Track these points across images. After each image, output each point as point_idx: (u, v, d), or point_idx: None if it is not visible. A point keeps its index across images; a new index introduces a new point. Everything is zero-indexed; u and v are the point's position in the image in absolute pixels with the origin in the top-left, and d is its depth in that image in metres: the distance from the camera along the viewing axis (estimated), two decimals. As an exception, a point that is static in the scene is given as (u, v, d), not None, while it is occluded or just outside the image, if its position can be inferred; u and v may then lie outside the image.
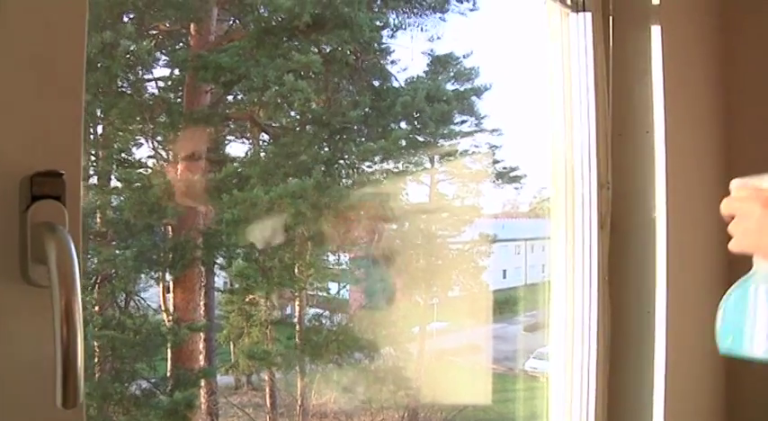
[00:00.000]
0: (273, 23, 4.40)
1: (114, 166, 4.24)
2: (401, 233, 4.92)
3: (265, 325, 4.60)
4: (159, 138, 4.39)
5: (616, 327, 1.67)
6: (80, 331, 0.67)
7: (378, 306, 4.88)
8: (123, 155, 4.28)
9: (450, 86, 4.84)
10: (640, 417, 1.63)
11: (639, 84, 1.65)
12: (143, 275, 4.29)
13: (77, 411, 0.73)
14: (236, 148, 5.10)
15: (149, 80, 4.30)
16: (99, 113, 4.19)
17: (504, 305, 5.39)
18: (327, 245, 4.58)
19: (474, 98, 4.87)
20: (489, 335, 5.32)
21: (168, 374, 4.16)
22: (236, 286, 4.67)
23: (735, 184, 1.07)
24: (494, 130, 4.99)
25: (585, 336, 1.66)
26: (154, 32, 4.31)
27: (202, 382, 4.28)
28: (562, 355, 1.68)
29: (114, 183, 4.27)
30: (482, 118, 4.91)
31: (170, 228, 4.28)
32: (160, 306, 4.33)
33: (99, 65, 3.83)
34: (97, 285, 4.12)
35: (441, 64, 4.84)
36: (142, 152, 4.32)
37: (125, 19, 4.13)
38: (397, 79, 4.74)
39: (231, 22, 4.68)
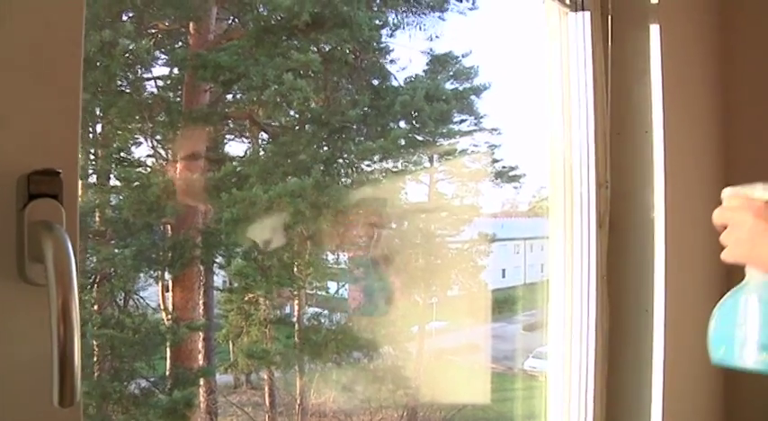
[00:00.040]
0: (273, 22, 4.40)
1: (113, 165, 4.24)
2: (400, 232, 4.92)
3: (264, 324, 4.60)
4: (158, 137, 4.39)
5: (614, 326, 1.67)
6: (77, 330, 0.67)
7: (376, 306, 4.88)
8: (122, 154, 4.28)
9: (449, 85, 4.85)
10: (639, 416, 1.63)
11: (638, 83, 1.65)
12: (142, 274, 4.29)
13: (74, 410, 0.73)
14: (236, 147, 5.11)
15: (148, 79, 4.30)
16: (98, 112, 4.19)
17: (504, 304, 5.39)
18: (326, 244, 4.58)
19: (473, 97, 4.88)
20: (488, 334, 5.32)
21: (167, 373, 4.17)
22: (235, 285, 4.68)
23: (726, 194, 1.06)
24: (493, 130, 5.00)
25: (584, 335, 1.66)
26: (153, 31, 4.31)
27: (201, 381, 4.28)
28: (561, 354, 1.68)
29: (113, 181, 4.28)
30: (481, 117, 4.92)
31: (169, 226, 4.29)
32: (159, 305, 4.33)
33: (98, 64, 3.83)
34: (96, 284, 4.12)
35: (440, 63, 4.84)
36: (141, 151, 4.33)
37: (124, 18, 4.13)
38: (396, 78, 4.75)
39: (230, 21, 4.68)
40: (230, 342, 4.68)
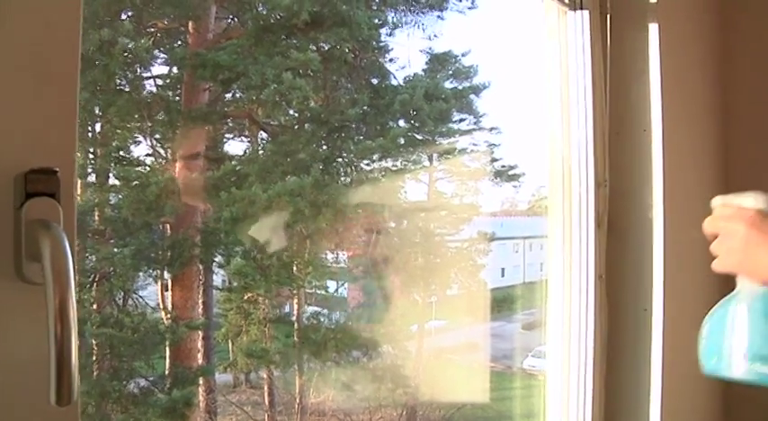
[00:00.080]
0: (272, 21, 4.40)
1: (112, 164, 4.24)
2: (399, 231, 4.92)
3: (264, 323, 4.60)
4: (157, 136, 4.39)
5: (613, 325, 1.67)
6: (74, 328, 0.67)
7: (375, 305, 4.88)
8: (121, 153, 4.28)
9: (448, 84, 4.85)
10: (637, 415, 1.63)
11: (637, 82, 1.65)
12: (141, 273, 4.29)
13: (72, 409, 0.73)
14: (235, 146, 5.11)
15: (147, 78, 4.30)
16: (97, 111, 4.19)
17: (503, 303, 5.39)
18: (326, 243, 4.58)
19: (472, 96, 4.87)
20: (487, 333, 5.32)
21: (166, 372, 4.17)
22: (235, 284, 4.68)
23: (717, 203, 1.05)
24: (492, 129, 5.00)
25: (582, 334, 1.66)
26: (152, 30, 4.31)
27: (201, 380, 4.28)
28: (559, 353, 1.68)
29: (112, 181, 4.27)
30: (481, 116, 4.92)
31: (168, 226, 4.28)
32: (158, 304, 4.33)
33: (97, 62, 3.83)
34: (95, 283, 4.12)
35: (439, 62, 4.84)
36: (140, 150, 4.33)
37: (123, 16, 4.13)
38: (395, 77, 4.75)
39: (229, 20, 4.68)
40: (229, 341, 4.68)
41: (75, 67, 0.82)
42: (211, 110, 4.40)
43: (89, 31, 3.74)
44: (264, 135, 4.66)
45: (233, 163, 4.41)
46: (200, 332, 4.32)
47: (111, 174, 4.26)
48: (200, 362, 4.29)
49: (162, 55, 4.42)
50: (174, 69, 4.44)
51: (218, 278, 4.73)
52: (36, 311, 0.71)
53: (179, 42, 4.51)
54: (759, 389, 0.96)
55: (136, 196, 4.03)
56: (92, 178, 4.28)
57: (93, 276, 4.11)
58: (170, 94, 4.40)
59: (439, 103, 4.66)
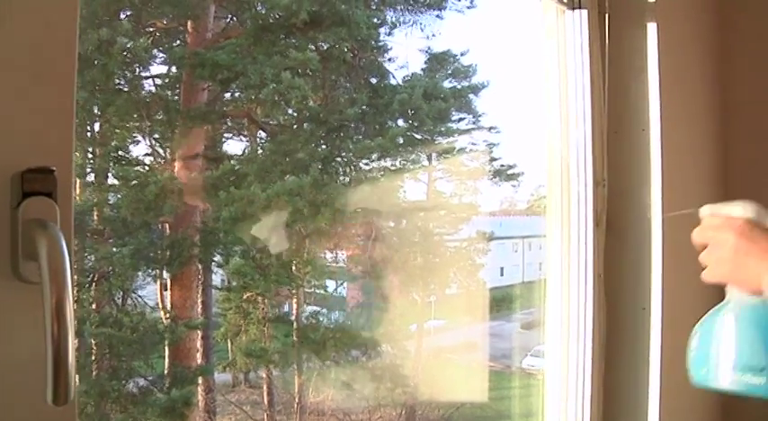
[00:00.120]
0: (271, 21, 4.40)
1: (111, 164, 4.24)
2: (398, 231, 4.92)
3: (263, 322, 4.60)
4: (156, 135, 4.39)
5: (611, 324, 1.67)
6: (71, 328, 0.67)
7: (374, 305, 4.88)
8: (120, 152, 4.28)
9: (447, 84, 4.85)
10: (635, 414, 1.63)
11: (635, 81, 1.65)
12: (140, 273, 4.29)
13: (69, 408, 0.73)
14: (234, 146, 5.10)
15: (146, 78, 4.30)
16: (96, 111, 4.19)
17: (502, 302, 5.39)
18: (325, 242, 4.58)
19: (471, 96, 4.87)
20: (486, 332, 5.32)
21: (165, 372, 4.17)
22: (234, 284, 4.68)
23: (705, 212, 1.05)
24: (491, 128, 5.00)
25: (581, 334, 1.66)
26: (151, 30, 4.31)
27: (200, 380, 4.28)
28: (558, 353, 1.68)
29: (111, 180, 4.27)
30: (479, 115, 4.92)
31: (167, 225, 4.28)
32: (157, 303, 4.33)
33: (96, 62, 3.83)
34: (94, 283, 4.12)
35: (438, 61, 4.84)
36: (139, 150, 4.33)
37: (122, 16, 4.13)
38: (394, 77, 4.75)
39: (228, 20, 4.68)
40: (229, 340, 4.68)
41: (73, 66, 0.82)
42: (210, 109, 4.40)
43: (88, 31, 3.74)
44: (263, 134, 4.66)
45: (232, 162, 4.41)
46: (199, 331, 4.32)
47: (109, 174, 4.26)
48: (199, 361, 4.29)
49: (161, 54, 4.43)
50: (173, 69, 4.45)
51: (218, 277, 4.73)
52: (33, 311, 0.71)
53: (178, 42, 4.51)
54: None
55: (135, 196, 4.03)
56: (91, 178, 4.28)
57: (92, 276, 4.11)
58: (169, 93, 4.40)
59: (438, 102, 4.66)
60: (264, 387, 4.61)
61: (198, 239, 4.34)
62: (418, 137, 4.72)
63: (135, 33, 4.08)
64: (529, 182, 5.12)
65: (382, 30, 4.69)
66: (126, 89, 4.18)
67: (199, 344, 4.32)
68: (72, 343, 0.67)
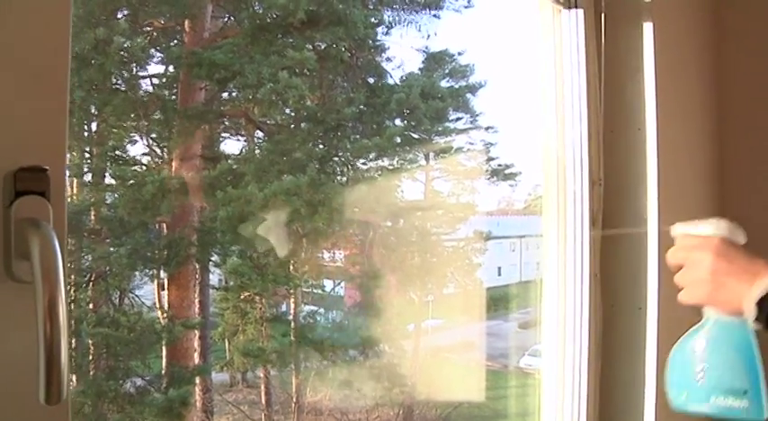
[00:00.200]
0: (268, 20, 4.39)
1: (108, 164, 4.23)
2: (396, 230, 4.92)
3: (260, 322, 4.60)
4: (153, 135, 4.38)
5: (608, 324, 1.67)
6: (64, 327, 0.67)
7: (372, 304, 4.88)
8: (117, 152, 4.28)
9: (444, 83, 4.84)
10: (632, 413, 1.64)
11: (631, 81, 1.65)
12: (137, 272, 4.28)
13: (62, 408, 0.73)
14: (231, 145, 5.10)
15: (143, 77, 4.29)
16: (93, 110, 4.19)
17: (499, 302, 5.39)
18: (322, 242, 4.58)
19: (469, 95, 4.87)
20: (484, 332, 5.32)
21: (163, 372, 4.16)
22: (231, 283, 4.67)
23: (677, 231, 1.03)
24: (489, 128, 5.00)
25: (577, 333, 1.66)
26: (148, 29, 4.30)
27: (197, 380, 4.28)
28: (554, 352, 1.69)
29: (108, 180, 4.27)
30: (477, 115, 4.92)
31: (164, 225, 4.28)
32: (155, 303, 4.32)
33: (93, 61, 3.82)
34: (91, 282, 4.11)
35: (435, 61, 4.84)
36: (136, 149, 4.32)
37: (119, 15, 4.12)
38: (391, 76, 4.75)
39: (226, 19, 4.67)
40: (226, 340, 4.68)
41: (66, 65, 0.81)
42: (207, 109, 4.40)
43: (85, 30, 3.73)
44: (261, 134, 4.66)
45: (229, 162, 4.41)
46: (196, 331, 4.32)
47: (107, 174, 4.26)
48: (196, 361, 4.29)
49: (158, 54, 4.42)
50: (171, 68, 4.44)
51: (215, 277, 4.73)
52: (26, 310, 0.70)
53: (175, 41, 4.50)
54: None
55: (132, 195, 4.02)
56: (88, 177, 4.28)
57: (89, 275, 4.10)
58: (166, 93, 4.39)
59: (435, 101, 4.66)
60: (262, 386, 4.61)
61: (195, 239, 4.33)
62: (416, 136, 4.72)
63: (132, 33, 4.07)
64: (526, 181, 5.13)
65: (379, 29, 4.69)
66: (123, 88, 4.18)
67: (196, 343, 4.31)
68: (65, 342, 0.67)
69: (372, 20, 4.63)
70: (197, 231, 4.34)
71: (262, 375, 4.63)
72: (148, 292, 4.35)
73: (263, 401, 4.57)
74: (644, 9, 1.63)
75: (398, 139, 4.60)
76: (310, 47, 4.39)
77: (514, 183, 5.17)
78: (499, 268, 5.43)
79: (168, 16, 4.39)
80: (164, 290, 4.29)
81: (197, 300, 4.37)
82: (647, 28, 1.63)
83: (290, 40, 4.36)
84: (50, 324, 0.66)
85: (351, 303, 5.07)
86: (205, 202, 4.29)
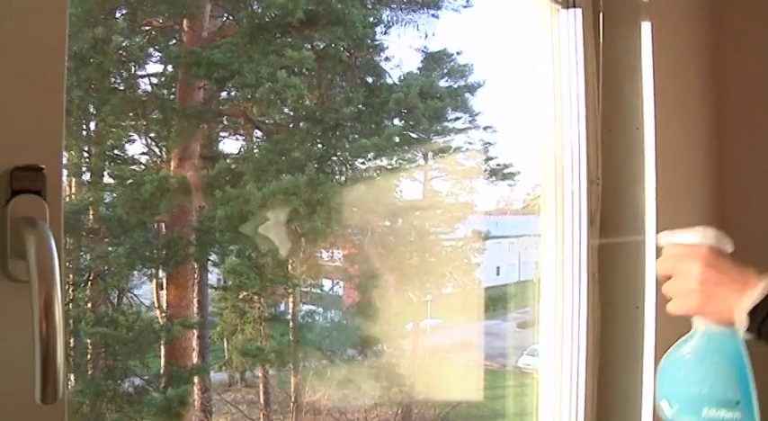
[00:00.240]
0: (266, 20, 4.39)
1: (107, 163, 4.23)
2: (394, 230, 4.92)
3: (259, 321, 4.60)
4: (152, 134, 4.38)
5: (605, 323, 1.67)
6: (60, 326, 0.67)
7: (370, 304, 4.88)
8: (116, 151, 4.27)
9: (443, 83, 4.85)
10: (629, 412, 1.64)
11: (629, 80, 1.65)
12: (136, 272, 4.28)
13: (58, 407, 0.73)
14: (230, 145, 5.10)
15: (142, 76, 4.29)
16: (91, 110, 4.18)
17: (498, 302, 5.39)
18: (320, 241, 4.58)
19: (467, 95, 4.87)
20: (482, 331, 5.33)
21: (161, 371, 4.16)
22: (230, 283, 4.67)
23: (663, 240, 1.02)
24: (487, 127, 5.00)
25: (575, 332, 1.66)
26: (146, 28, 4.30)
27: (196, 379, 4.28)
28: (552, 351, 1.69)
29: (107, 179, 4.27)
30: (476, 115, 4.92)
31: (163, 224, 4.28)
32: (153, 303, 4.32)
33: (91, 61, 3.82)
34: (90, 282, 4.11)
35: (434, 61, 4.84)
36: (135, 148, 4.32)
37: (117, 14, 4.12)
38: (390, 76, 4.75)
39: (224, 19, 4.67)
40: (225, 340, 4.68)
41: (62, 64, 0.81)
42: (206, 108, 4.40)
43: (83, 30, 3.73)
44: (259, 133, 4.66)
45: (228, 161, 4.41)
46: (195, 331, 4.32)
47: (105, 173, 4.26)
48: (195, 360, 4.29)
49: (156, 53, 4.42)
50: (169, 67, 4.44)
51: (213, 277, 4.73)
52: (22, 309, 0.70)
53: (174, 40, 4.50)
54: (762, 377, 0.95)
55: (130, 195, 4.02)
56: (86, 177, 4.28)
57: (87, 275, 4.10)
58: (165, 92, 4.39)
59: (434, 101, 4.66)
60: (261, 386, 4.61)
61: (194, 238, 4.33)
62: (414, 136, 4.72)
63: (130, 32, 4.07)
64: (525, 181, 5.13)
65: (378, 29, 4.70)
66: (121, 88, 4.17)
67: (195, 343, 4.31)
68: (61, 341, 0.67)
69: (371, 19, 4.63)
70: (195, 231, 4.33)
71: (260, 375, 4.63)
72: (147, 292, 4.35)
73: (262, 401, 4.57)
74: (642, 8, 1.63)
75: (397, 139, 4.60)
76: (309, 46, 4.39)
77: (513, 183, 5.18)
78: (498, 268, 5.43)
79: (167, 15, 4.39)
80: (162, 289, 4.29)
81: (195, 300, 4.37)
82: (646, 27, 1.63)
83: (289, 40, 4.36)
84: (46, 323, 0.66)
85: (349, 303, 5.06)
86: (204, 202, 4.29)
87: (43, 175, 0.77)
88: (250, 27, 4.37)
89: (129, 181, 4.08)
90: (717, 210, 1.85)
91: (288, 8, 4.20)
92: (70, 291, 3.94)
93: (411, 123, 4.66)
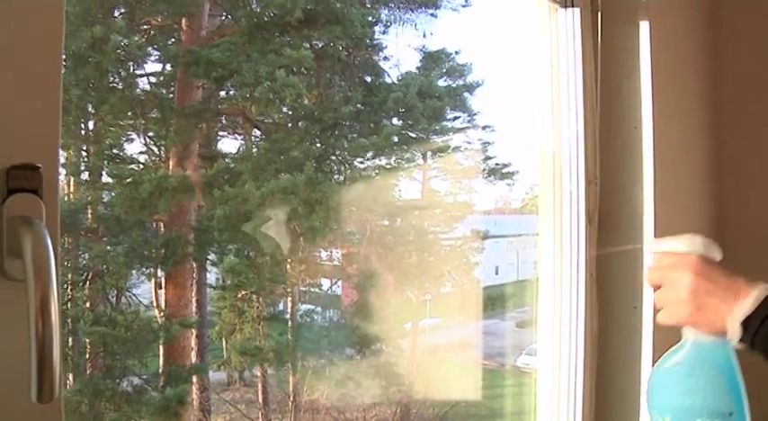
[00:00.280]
0: (265, 19, 4.39)
1: (105, 162, 4.23)
2: (393, 229, 4.92)
3: (257, 321, 4.60)
4: (151, 133, 4.38)
5: (603, 323, 1.67)
6: (56, 325, 0.67)
7: (369, 303, 4.88)
8: (114, 150, 4.27)
9: (442, 82, 4.85)
10: (627, 412, 1.64)
11: (628, 79, 1.65)
12: (134, 271, 4.28)
13: (54, 406, 0.73)
14: (228, 144, 5.10)
15: (141, 75, 4.29)
16: (90, 109, 4.18)
17: (497, 301, 5.40)
18: (319, 241, 4.58)
19: (466, 94, 4.87)
20: (481, 331, 5.33)
21: (160, 370, 4.16)
22: (228, 282, 4.67)
23: (654, 249, 1.01)
24: (486, 127, 5.00)
25: (573, 332, 1.66)
26: (145, 27, 4.30)
27: (194, 379, 4.27)
28: (550, 351, 1.69)
29: (105, 178, 4.27)
30: (474, 114, 4.92)
31: (161, 223, 4.28)
32: (152, 302, 4.32)
33: (90, 60, 3.82)
34: (88, 281, 4.11)
35: (433, 60, 4.84)
36: (133, 148, 4.32)
37: (116, 13, 4.12)
38: (389, 75, 4.75)
39: (223, 18, 4.67)
40: (223, 339, 4.68)
41: (59, 63, 0.81)
42: (205, 107, 4.40)
43: (81, 28, 3.73)
44: (258, 132, 4.66)
45: (226, 160, 4.40)
46: (193, 330, 4.32)
47: (103, 172, 4.25)
48: (193, 360, 4.29)
49: (155, 52, 4.41)
50: (168, 67, 4.44)
51: (212, 276, 4.73)
52: (18, 308, 0.70)
53: (172, 39, 4.50)
54: (760, 377, 0.94)
55: (129, 194, 4.02)
56: (84, 176, 4.27)
57: (85, 274, 4.10)
58: (163, 91, 4.39)
59: (432, 100, 4.66)
60: (259, 385, 4.61)
61: (192, 238, 4.33)
62: (413, 135, 4.72)
63: (129, 31, 4.07)
64: (524, 180, 5.13)
65: (377, 28, 4.70)
66: (120, 87, 4.17)
67: (193, 342, 4.31)
68: (57, 340, 0.67)
69: (369, 19, 4.63)
70: (194, 230, 4.33)
71: (259, 374, 4.63)
72: (145, 291, 4.34)
73: (261, 400, 4.57)
74: (640, 8, 1.63)
75: (396, 138, 4.60)
76: (307, 45, 4.39)
77: (512, 182, 5.18)
78: (497, 267, 5.43)
79: (165, 14, 4.39)
80: (161, 288, 4.29)
81: (194, 299, 4.37)
82: (644, 27, 1.62)
83: (288, 39, 4.36)
84: (42, 322, 0.66)
85: (348, 302, 5.06)
86: (202, 201, 4.29)
87: (39, 174, 0.76)
88: (249, 26, 4.37)
89: (128, 180, 4.08)
90: (715, 210, 1.85)
91: (286, 7, 4.20)
92: (69, 291, 3.94)
93: (410, 123, 4.66)
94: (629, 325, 1.63)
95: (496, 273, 5.47)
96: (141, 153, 4.35)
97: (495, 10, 5.24)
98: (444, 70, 4.86)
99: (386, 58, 4.75)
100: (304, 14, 4.20)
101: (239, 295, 4.65)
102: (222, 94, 4.58)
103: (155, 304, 4.30)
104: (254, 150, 4.61)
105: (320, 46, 4.48)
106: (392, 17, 4.69)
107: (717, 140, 1.85)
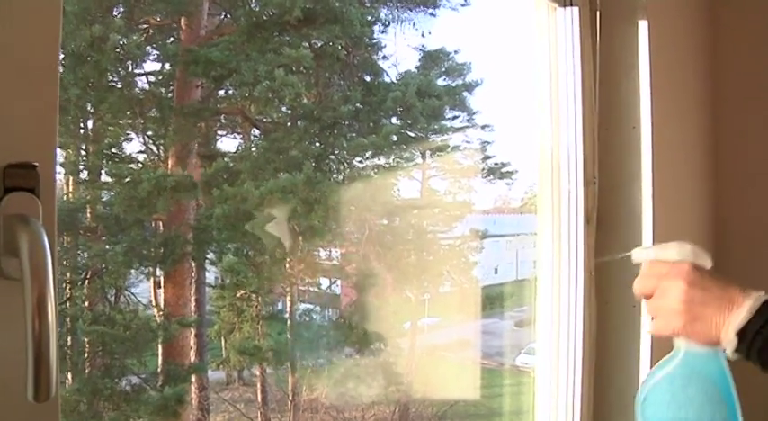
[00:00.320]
0: (264, 18, 4.39)
1: (104, 161, 4.23)
2: (392, 228, 4.92)
3: (256, 320, 4.60)
4: (150, 132, 4.38)
5: (602, 322, 1.67)
6: (53, 324, 0.67)
7: (368, 303, 4.88)
8: (113, 149, 4.27)
9: (441, 82, 4.85)
10: (626, 411, 1.63)
11: (626, 78, 1.65)
12: (133, 270, 4.28)
13: (51, 405, 0.73)
14: (227, 143, 5.10)
15: (140, 74, 4.29)
16: (89, 108, 4.18)
17: (495, 300, 5.40)
18: (318, 240, 4.58)
19: (465, 93, 4.87)
20: (480, 330, 5.33)
21: (159, 370, 4.16)
22: (227, 281, 4.67)
23: (639, 256, 0.98)
24: (485, 126, 5.00)
25: (572, 331, 1.66)
26: (144, 26, 4.31)
27: (193, 378, 4.28)
28: (549, 350, 1.69)
29: (104, 177, 4.26)
30: (473, 113, 4.92)
31: (160, 223, 4.28)
32: (150, 301, 4.32)
33: (88, 59, 3.82)
34: (87, 280, 4.11)
35: (432, 59, 4.84)
36: (132, 147, 4.32)
37: (115, 13, 4.12)
38: (388, 74, 4.75)
39: (222, 17, 4.67)
40: (222, 338, 4.68)
41: (55, 61, 0.81)
42: (204, 106, 4.40)
43: (80, 27, 3.73)
44: (257, 132, 4.66)
45: (225, 160, 4.40)
46: (192, 329, 4.32)
47: (102, 171, 4.26)
48: (192, 359, 4.29)
49: (154, 51, 4.42)
50: (167, 66, 4.44)
51: (211, 275, 4.73)
52: (14, 307, 0.70)
53: (171, 39, 4.50)
54: (745, 385, 0.94)
55: (128, 193, 4.02)
56: (83, 175, 4.27)
57: (85, 273, 4.10)
58: (162, 90, 4.39)
59: (432, 100, 4.66)
60: (258, 384, 4.61)
61: (191, 237, 4.33)
62: (412, 134, 4.72)
63: (128, 30, 4.07)
64: (523, 180, 5.13)
65: (376, 27, 4.70)
66: (119, 86, 4.17)
67: (192, 341, 4.31)
68: (54, 339, 0.67)
69: (369, 18, 4.63)
70: (193, 229, 4.33)
71: (258, 373, 4.63)
72: (144, 290, 4.35)
73: (260, 399, 4.57)
74: (639, 7, 1.63)
75: (395, 137, 4.61)
76: (307, 45, 4.39)
77: (511, 182, 5.18)
78: (495, 267, 5.44)
79: (164, 14, 4.39)
80: (160, 287, 4.29)
81: (193, 298, 4.37)
82: (643, 26, 1.62)
83: (287, 38, 4.36)
84: (39, 321, 0.66)
85: (347, 301, 5.06)
86: (201, 200, 4.29)
87: (36, 173, 0.76)
88: (248, 25, 4.37)
89: (127, 179, 4.08)
90: (713, 209, 1.85)
91: (285, 6, 4.20)
92: (67, 290, 3.94)
93: (409, 122, 4.66)
94: (628, 324, 1.63)
95: (495, 273, 5.47)
96: (140, 152, 4.36)
97: (493, 9, 5.24)
98: (443, 69, 4.86)
99: (385, 58, 4.76)
100: (303, 14, 4.20)
101: (238, 294, 4.65)
102: (221, 93, 4.58)
103: (153, 303, 4.30)
104: (253, 149, 4.61)
105: (319, 45, 4.48)
106: (391, 16, 4.70)
107: (715, 140, 1.85)
